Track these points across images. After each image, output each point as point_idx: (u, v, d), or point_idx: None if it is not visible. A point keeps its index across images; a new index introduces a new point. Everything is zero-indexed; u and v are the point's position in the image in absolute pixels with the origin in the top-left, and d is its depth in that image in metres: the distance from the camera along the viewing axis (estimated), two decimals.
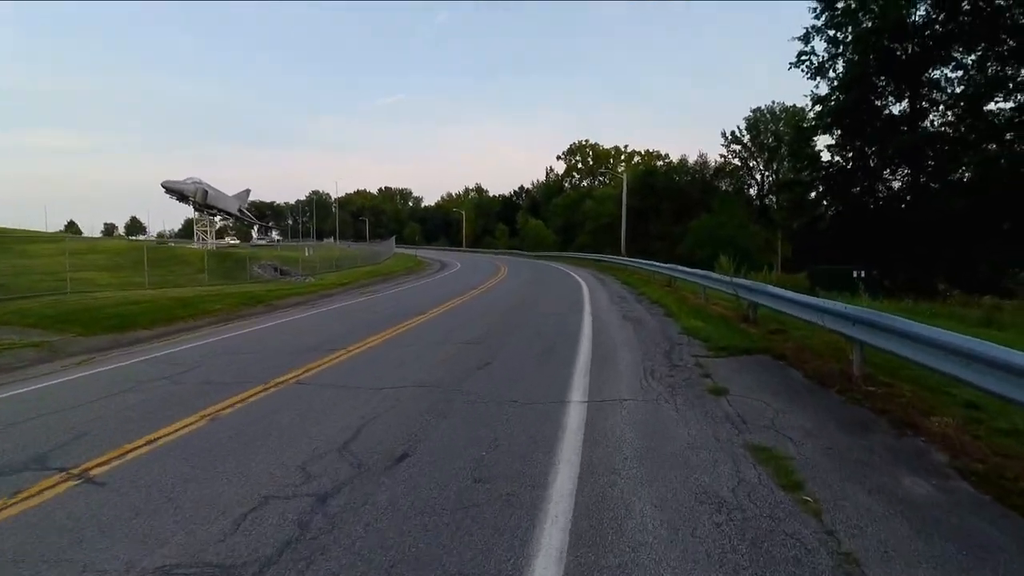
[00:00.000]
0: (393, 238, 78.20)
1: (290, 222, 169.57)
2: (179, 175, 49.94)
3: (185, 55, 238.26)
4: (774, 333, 9.91)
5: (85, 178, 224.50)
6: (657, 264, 23.69)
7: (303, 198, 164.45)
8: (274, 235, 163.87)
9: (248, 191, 60.40)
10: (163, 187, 46.23)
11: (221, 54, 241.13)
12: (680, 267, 19.24)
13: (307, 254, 36.96)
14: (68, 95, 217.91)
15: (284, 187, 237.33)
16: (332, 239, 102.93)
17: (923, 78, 32.38)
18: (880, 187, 33.69)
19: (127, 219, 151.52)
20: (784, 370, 7.68)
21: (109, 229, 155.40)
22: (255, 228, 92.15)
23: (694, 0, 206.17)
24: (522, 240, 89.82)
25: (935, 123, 32.79)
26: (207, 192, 49.04)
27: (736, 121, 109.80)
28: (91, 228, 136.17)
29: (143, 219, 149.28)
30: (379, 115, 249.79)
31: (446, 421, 5.68)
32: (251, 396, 6.86)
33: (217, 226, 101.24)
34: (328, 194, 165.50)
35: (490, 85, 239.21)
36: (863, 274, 22.72)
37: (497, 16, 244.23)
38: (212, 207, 51.05)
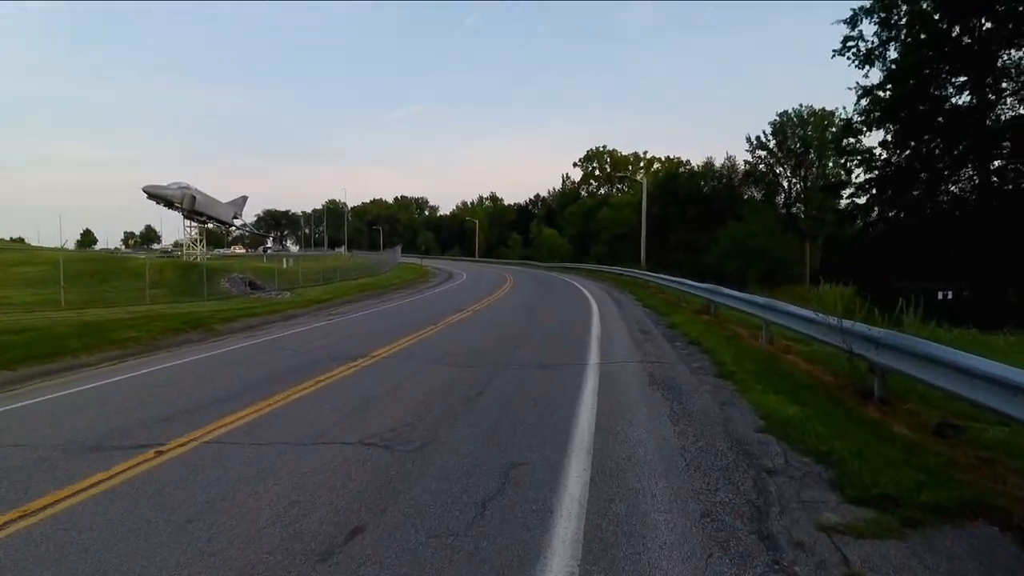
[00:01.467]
0: (399, 248, 74.07)
1: (306, 231, 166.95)
2: (201, 186, 46.18)
3: (208, 68, 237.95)
4: (944, 437, 5.10)
5: (108, 189, 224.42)
6: (689, 282, 18.65)
7: (319, 207, 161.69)
8: (289, 244, 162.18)
9: (245, 198, 56.59)
10: (145, 192, 42.32)
11: (243, 67, 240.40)
12: (725, 289, 14.18)
13: (285, 265, 32.70)
14: (89, 106, 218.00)
15: (302, 197, 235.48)
16: (343, 248, 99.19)
17: (992, 62, 27.21)
18: (946, 189, 28.49)
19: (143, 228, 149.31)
20: None
21: (127, 239, 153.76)
22: (260, 238, 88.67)
23: (712, 1, 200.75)
24: (536, 250, 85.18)
25: (1006, 115, 27.58)
26: (195, 198, 45.08)
27: (757, 128, 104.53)
28: (109, 239, 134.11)
29: (159, 228, 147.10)
30: (396, 126, 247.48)
31: None
32: None
33: (234, 235, 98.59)
34: (344, 203, 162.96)
35: (506, 93, 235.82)
36: (950, 295, 17.65)
37: (514, 26, 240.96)
38: (201, 214, 47.10)
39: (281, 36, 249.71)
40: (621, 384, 7.64)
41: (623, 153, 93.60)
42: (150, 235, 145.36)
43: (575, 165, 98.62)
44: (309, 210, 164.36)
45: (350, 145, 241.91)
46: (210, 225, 51.05)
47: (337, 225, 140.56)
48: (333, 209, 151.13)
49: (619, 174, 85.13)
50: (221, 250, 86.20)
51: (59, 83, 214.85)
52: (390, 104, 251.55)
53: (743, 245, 44.79)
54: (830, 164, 58.44)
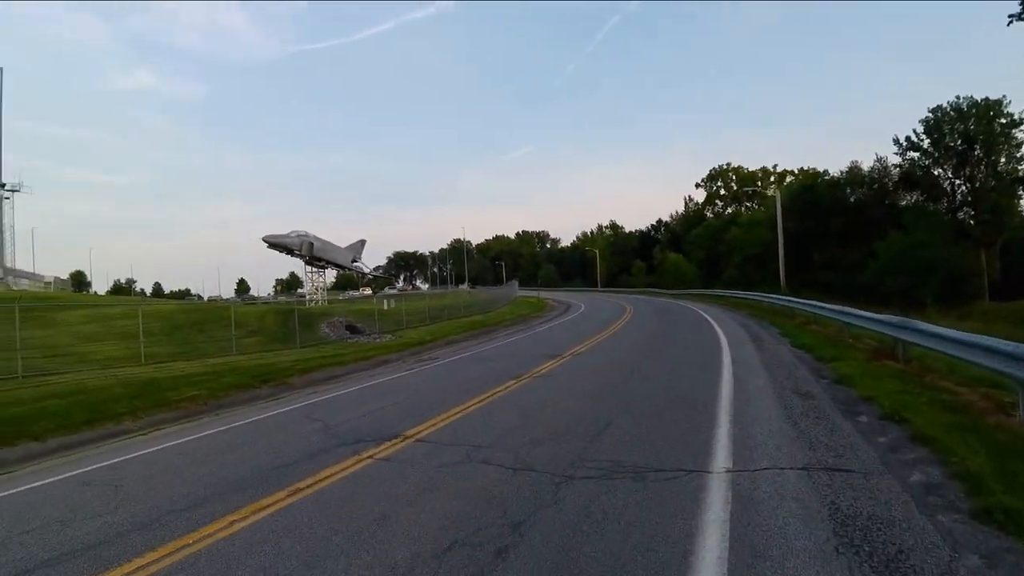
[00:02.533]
0: (515, 282, 72.16)
1: (435, 270, 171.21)
2: (335, 235, 47.48)
3: (337, 131, 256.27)
4: None
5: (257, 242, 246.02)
6: (859, 313, 13.53)
7: (445, 247, 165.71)
8: (419, 283, 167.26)
9: (363, 241, 57.29)
10: (265, 242, 43.38)
11: (369, 128, 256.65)
12: (923, 325, 9.06)
13: (386, 307, 31.09)
14: (239, 172, 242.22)
15: (430, 238, 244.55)
16: (466, 285, 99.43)
17: None
18: None
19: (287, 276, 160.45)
20: None
21: (276, 287, 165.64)
22: (388, 280, 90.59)
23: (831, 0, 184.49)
24: (660, 277, 79.72)
25: None
26: (312, 244, 45.67)
27: (898, 131, 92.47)
28: (261, 287, 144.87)
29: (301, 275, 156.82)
30: (514, 165, 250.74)
31: None
32: None
33: (368, 278, 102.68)
34: (467, 241, 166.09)
35: (620, 120, 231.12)
36: None
37: (620, 63, 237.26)
38: (320, 259, 47.70)
39: (401, 100, 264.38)
40: (778, 543, 3.87)
41: (750, 169, 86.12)
42: (293, 282, 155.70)
43: (698, 186, 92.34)
44: (436, 250, 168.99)
45: (473, 186, 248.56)
46: (329, 270, 51.78)
47: (462, 262, 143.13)
48: (458, 247, 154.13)
49: (748, 189, 77.82)
50: (351, 292, 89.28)
51: (218, 156, 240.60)
52: (507, 146, 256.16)
53: (909, 258, 37.35)
54: (1003, 159, 48.88)
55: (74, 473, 7.52)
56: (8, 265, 68.70)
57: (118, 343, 19.81)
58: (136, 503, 5.80)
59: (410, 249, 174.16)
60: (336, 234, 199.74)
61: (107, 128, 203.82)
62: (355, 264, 55.78)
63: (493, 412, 8.62)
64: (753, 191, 77.67)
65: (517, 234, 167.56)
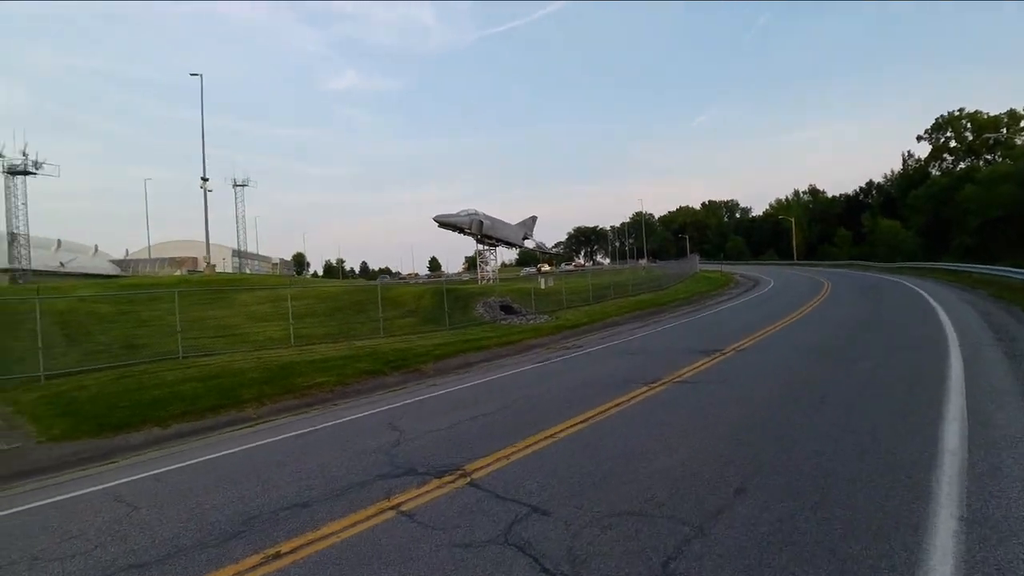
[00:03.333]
0: (695, 257, 66.67)
1: (617, 244, 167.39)
2: (518, 212, 48.36)
3: (518, 109, 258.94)
4: None
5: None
6: None
7: (627, 220, 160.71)
8: (599, 258, 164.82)
9: (534, 218, 56.27)
10: (436, 221, 44.15)
11: (548, 104, 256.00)
12: None
13: (543, 285, 29.40)
14: (432, 156, 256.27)
15: (611, 212, 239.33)
16: (644, 260, 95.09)
17: None
18: None
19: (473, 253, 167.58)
20: None
21: (465, 264, 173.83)
22: (565, 256, 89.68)
23: None
24: (871, 247, 68.64)
25: None
26: (482, 222, 45.65)
27: None
28: (450, 265, 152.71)
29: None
30: (699, 131, 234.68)
31: None
32: None
33: (548, 255, 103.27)
34: (651, 214, 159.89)
35: (819, 73, 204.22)
36: None
37: (818, 9, 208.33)
38: (491, 237, 47.64)
39: (579, 73, 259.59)
40: None
41: (991, 114, 70.01)
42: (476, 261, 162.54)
43: (920, 139, 77.62)
44: (618, 224, 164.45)
45: (655, 155, 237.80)
46: (500, 247, 51.74)
47: (644, 236, 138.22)
48: (640, 221, 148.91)
49: (989, 138, 63.30)
50: (528, 269, 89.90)
51: (413, 143, 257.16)
52: (691, 110, 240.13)
53: None
54: None
55: (122, 481, 6.82)
56: (241, 249, 79.61)
57: (282, 324, 20.55)
58: (81, 559, 4.58)
59: (590, 224, 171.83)
60: (518, 211, 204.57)
61: (321, 126, 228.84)
62: (526, 241, 55.23)
63: (585, 445, 6.36)
64: (996, 140, 63.10)
65: (703, 204, 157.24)
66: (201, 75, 38.32)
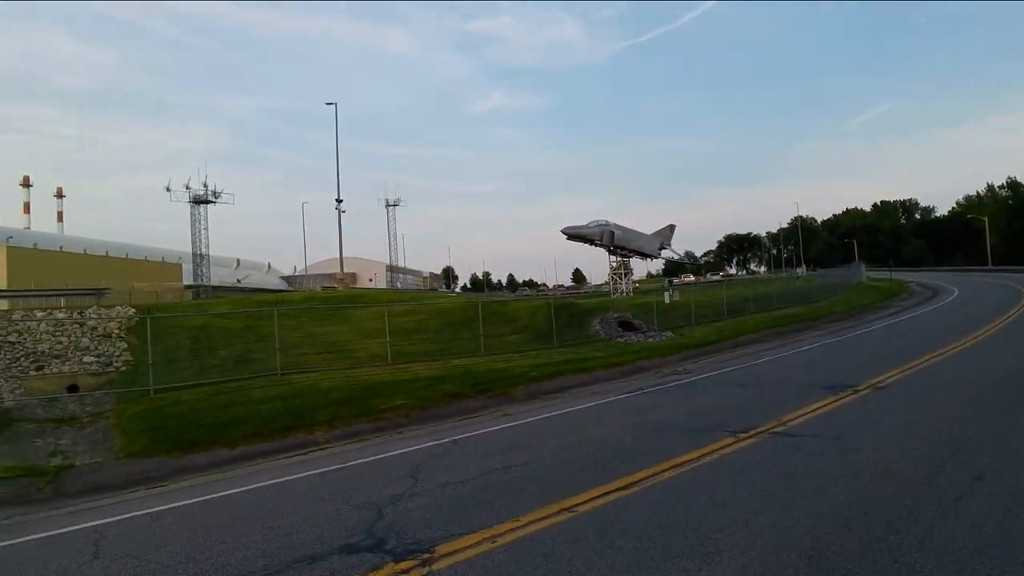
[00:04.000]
0: (862, 264, 58.87)
1: (774, 252, 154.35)
2: (660, 220, 47.03)
3: (665, 117, 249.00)
4: None
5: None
6: None
7: (785, 225, 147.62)
8: (753, 267, 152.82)
9: (672, 227, 52.73)
10: (564, 233, 42.80)
11: (697, 109, 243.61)
12: None
13: (667, 300, 26.77)
14: (577, 168, 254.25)
15: (764, 219, 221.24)
16: (801, 268, 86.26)
17: None
18: None
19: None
20: None
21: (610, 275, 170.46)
22: (712, 265, 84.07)
23: None
24: None
25: None
26: (614, 233, 43.52)
27: None
28: (595, 275, 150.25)
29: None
30: (868, 125, 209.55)
31: None
32: None
33: (695, 265, 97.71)
34: (813, 218, 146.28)
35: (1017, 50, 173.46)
36: None
37: None
38: (623, 248, 45.33)
39: (730, 75, 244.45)
40: None
41: None
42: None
43: None
44: (775, 229, 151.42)
45: (815, 157, 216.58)
46: (634, 258, 49.22)
47: (804, 242, 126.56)
48: (802, 225, 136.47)
49: None
50: (670, 280, 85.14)
51: (558, 156, 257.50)
52: (856, 104, 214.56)
53: None
54: None
55: (118, 518, 6.40)
56: (393, 264, 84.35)
57: (383, 339, 20.48)
58: None
59: (742, 231, 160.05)
60: (662, 219, 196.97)
61: (470, 145, 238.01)
62: (663, 251, 52.13)
63: (601, 531, 4.66)
64: None
65: (874, 205, 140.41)
66: (336, 104, 40.70)
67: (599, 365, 17.02)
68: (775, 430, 7.18)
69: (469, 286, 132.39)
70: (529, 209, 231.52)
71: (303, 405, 12.67)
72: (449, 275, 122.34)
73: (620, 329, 23.85)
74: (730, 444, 6.70)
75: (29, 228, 64.47)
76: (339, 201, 41.01)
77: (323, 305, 26.94)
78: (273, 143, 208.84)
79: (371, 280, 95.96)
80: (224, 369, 16.73)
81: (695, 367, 15.37)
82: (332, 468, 7.83)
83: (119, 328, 19.56)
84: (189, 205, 49.12)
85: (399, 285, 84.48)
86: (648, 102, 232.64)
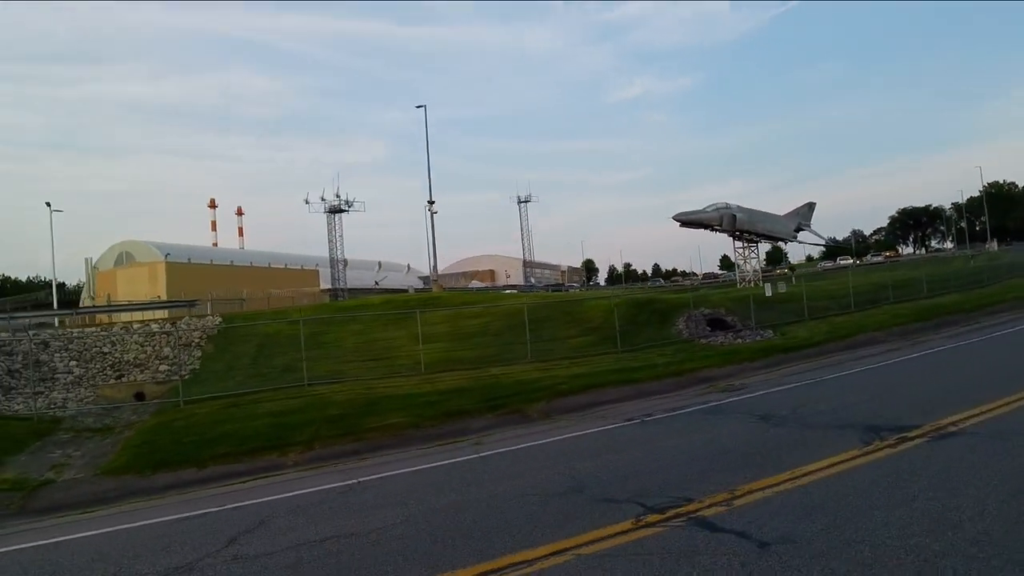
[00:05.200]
0: None
1: (962, 225, 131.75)
2: (833, 197, 42.73)
3: (829, 85, 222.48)
4: None
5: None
6: None
7: (976, 194, 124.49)
8: (934, 243, 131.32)
9: (811, 205, 45.79)
10: (678, 221, 38.72)
11: (864, 73, 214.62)
12: None
13: (769, 293, 22.53)
14: (731, 150, 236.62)
15: (944, 188, 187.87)
16: (991, 243, 72.30)
17: None
18: None
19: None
20: None
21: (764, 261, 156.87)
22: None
23: None
24: None
25: None
26: (735, 216, 38.67)
27: None
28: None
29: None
30: None
31: None
32: None
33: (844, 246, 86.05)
34: (1013, 183, 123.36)
35: None
36: None
37: None
38: (749, 232, 40.30)
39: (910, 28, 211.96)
40: None
41: None
42: (776, 255, 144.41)
43: None
44: (963, 200, 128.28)
45: (1015, 110, 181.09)
46: (763, 243, 43.68)
47: (1004, 212, 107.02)
48: (996, 194, 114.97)
49: None
50: (826, 263, 75.68)
51: (710, 138, 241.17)
52: None
53: None
54: None
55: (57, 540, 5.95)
56: (527, 259, 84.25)
57: (446, 344, 19.45)
58: None
59: (920, 204, 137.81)
60: (834, 196, 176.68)
61: (616, 134, 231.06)
62: (801, 232, 45.83)
63: None
64: None
65: None
66: (425, 106, 40.50)
67: (652, 375, 14.56)
68: (704, 514, 4.72)
69: (609, 278, 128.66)
70: (677, 195, 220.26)
71: (293, 422, 11.93)
72: (591, 268, 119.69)
73: (708, 328, 20.65)
74: (616, 535, 4.45)
75: (216, 244, 72.85)
76: (431, 203, 40.97)
77: (346, 312, 26.63)
78: (420, 150, 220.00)
79: (508, 276, 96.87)
80: (268, 379, 16.64)
81: (755, 381, 12.42)
82: (198, 513, 6.77)
83: (200, 337, 20.58)
84: (325, 215, 52.33)
85: (532, 281, 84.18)
86: (804, 73, 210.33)
